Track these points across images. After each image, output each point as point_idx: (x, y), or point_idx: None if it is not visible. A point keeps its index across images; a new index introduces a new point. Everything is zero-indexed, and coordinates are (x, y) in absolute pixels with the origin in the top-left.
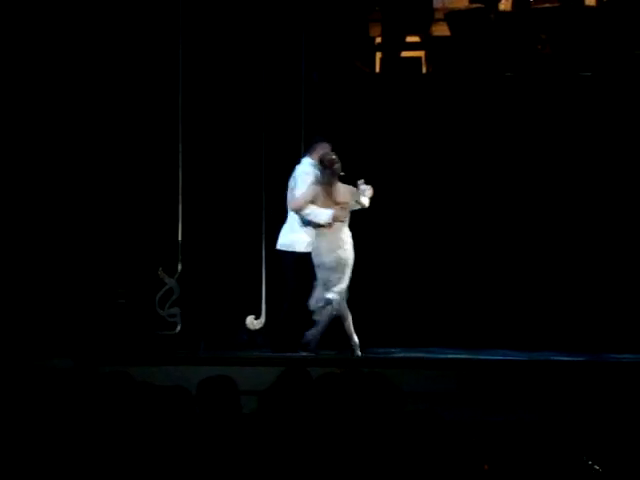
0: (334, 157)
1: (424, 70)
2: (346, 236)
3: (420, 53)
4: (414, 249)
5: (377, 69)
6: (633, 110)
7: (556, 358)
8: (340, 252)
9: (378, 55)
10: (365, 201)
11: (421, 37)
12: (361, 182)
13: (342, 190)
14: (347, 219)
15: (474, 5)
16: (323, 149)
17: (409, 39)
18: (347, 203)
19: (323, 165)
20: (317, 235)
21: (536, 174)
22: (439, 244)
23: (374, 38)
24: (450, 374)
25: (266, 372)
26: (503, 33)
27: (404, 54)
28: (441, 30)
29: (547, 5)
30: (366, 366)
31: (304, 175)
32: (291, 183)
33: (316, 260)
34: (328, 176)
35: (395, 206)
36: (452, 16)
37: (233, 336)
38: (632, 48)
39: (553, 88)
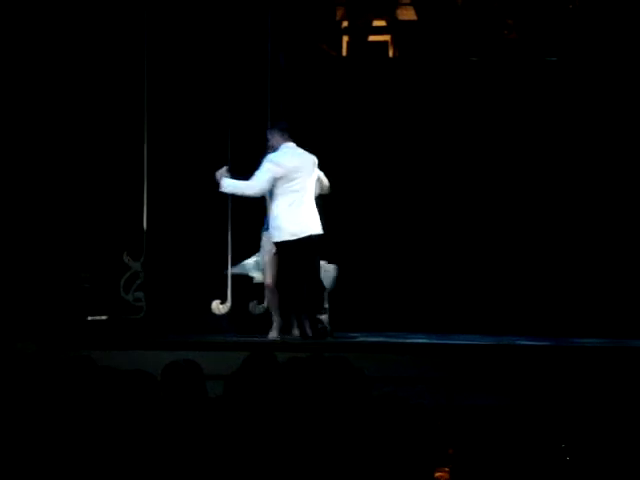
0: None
1: (390, 54)
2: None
3: (386, 37)
4: (375, 234)
5: (344, 53)
6: (598, 95)
7: (521, 342)
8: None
9: (345, 39)
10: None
11: (387, 21)
12: None
13: None
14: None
15: None
16: (281, 133)
17: (375, 23)
18: None
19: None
20: None
21: (503, 158)
22: (400, 227)
23: (341, 22)
24: (415, 359)
25: (232, 357)
26: (469, 18)
27: (371, 38)
28: (408, 14)
29: None
30: (331, 351)
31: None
32: None
33: None
34: None
35: (360, 189)
36: (419, 0)
37: (212, 323)
38: (597, 33)
39: (519, 73)
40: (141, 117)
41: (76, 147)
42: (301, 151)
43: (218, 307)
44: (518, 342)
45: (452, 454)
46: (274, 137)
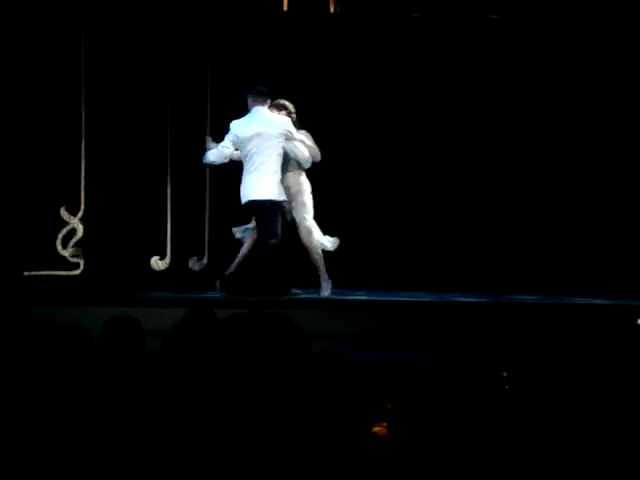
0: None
1: (332, 9)
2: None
3: None
4: (332, 194)
5: (285, 7)
6: (539, 54)
7: (461, 299)
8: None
9: None
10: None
11: None
12: None
13: None
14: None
15: None
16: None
17: None
18: None
19: None
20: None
21: (443, 117)
22: (334, 184)
23: None
24: (354, 315)
25: (171, 313)
26: None
27: None
28: None
29: None
30: (271, 307)
31: None
32: None
33: None
34: None
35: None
36: None
37: (151, 279)
38: None
39: (460, 30)
40: (79, 74)
41: (15, 103)
42: (260, 116)
43: (157, 263)
44: (458, 299)
45: (390, 409)
46: (248, 101)
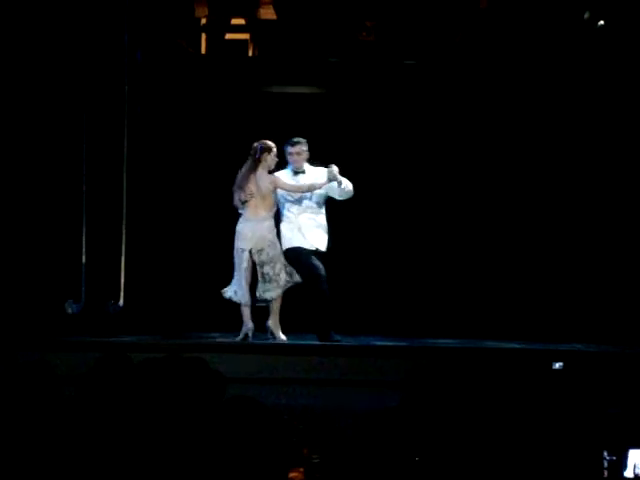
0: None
1: (250, 53)
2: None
3: (246, 35)
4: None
5: (203, 50)
6: (455, 98)
7: (377, 343)
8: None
9: (204, 36)
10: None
11: (247, 20)
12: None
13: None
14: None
15: None
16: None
17: (235, 21)
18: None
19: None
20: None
21: (359, 158)
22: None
23: (200, 19)
24: (272, 359)
25: (85, 358)
26: (329, 19)
27: (230, 36)
28: (267, 13)
29: None
30: (188, 351)
31: None
32: None
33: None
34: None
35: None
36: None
37: (65, 322)
38: (453, 37)
39: (377, 75)
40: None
41: None
42: None
43: (71, 306)
44: (373, 343)
45: (307, 454)
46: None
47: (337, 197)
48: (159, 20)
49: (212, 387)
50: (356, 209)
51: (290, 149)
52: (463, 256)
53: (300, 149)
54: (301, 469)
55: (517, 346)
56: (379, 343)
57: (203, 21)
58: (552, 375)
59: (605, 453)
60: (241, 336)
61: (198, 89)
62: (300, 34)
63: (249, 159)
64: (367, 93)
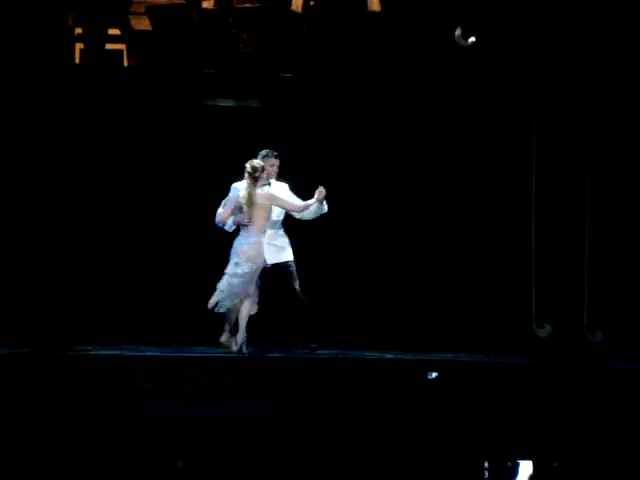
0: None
1: (125, 63)
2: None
3: (122, 46)
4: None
5: (77, 60)
6: (331, 110)
7: (256, 355)
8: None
9: (79, 46)
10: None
11: (122, 30)
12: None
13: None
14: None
15: (177, 1)
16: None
17: (111, 31)
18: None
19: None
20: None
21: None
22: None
23: (74, 28)
24: (153, 371)
25: None
26: (205, 30)
27: (106, 46)
28: (143, 24)
29: (249, 5)
30: (64, 364)
31: None
32: None
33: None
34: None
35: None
36: (153, 10)
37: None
38: (329, 51)
39: (253, 87)
40: None
41: None
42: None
43: None
44: (253, 355)
45: (182, 466)
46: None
47: (297, 216)
48: (31, 29)
49: (90, 399)
50: None
51: (274, 161)
52: (337, 268)
53: (278, 162)
54: None
55: (391, 356)
56: (257, 355)
57: (77, 30)
58: (428, 385)
59: (486, 463)
60: (237, 347)
61: (73, 100)
62: (176, 45)
63: (248, 178)
64: (244, 105)
